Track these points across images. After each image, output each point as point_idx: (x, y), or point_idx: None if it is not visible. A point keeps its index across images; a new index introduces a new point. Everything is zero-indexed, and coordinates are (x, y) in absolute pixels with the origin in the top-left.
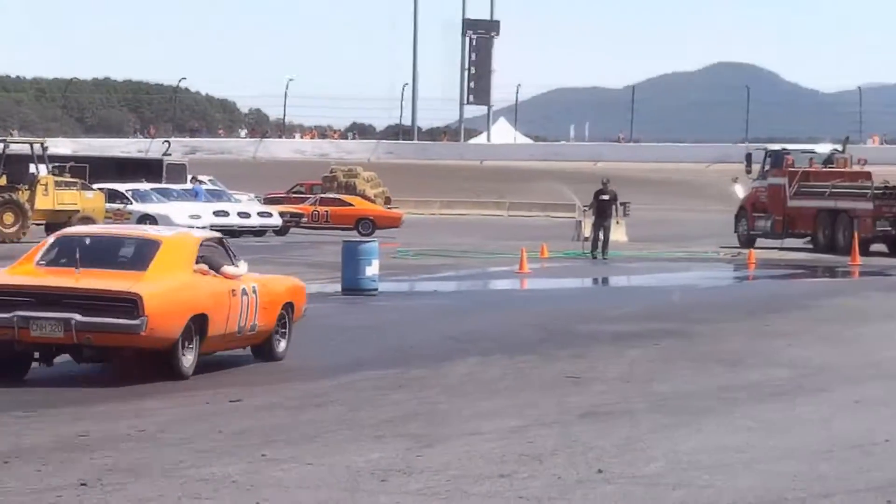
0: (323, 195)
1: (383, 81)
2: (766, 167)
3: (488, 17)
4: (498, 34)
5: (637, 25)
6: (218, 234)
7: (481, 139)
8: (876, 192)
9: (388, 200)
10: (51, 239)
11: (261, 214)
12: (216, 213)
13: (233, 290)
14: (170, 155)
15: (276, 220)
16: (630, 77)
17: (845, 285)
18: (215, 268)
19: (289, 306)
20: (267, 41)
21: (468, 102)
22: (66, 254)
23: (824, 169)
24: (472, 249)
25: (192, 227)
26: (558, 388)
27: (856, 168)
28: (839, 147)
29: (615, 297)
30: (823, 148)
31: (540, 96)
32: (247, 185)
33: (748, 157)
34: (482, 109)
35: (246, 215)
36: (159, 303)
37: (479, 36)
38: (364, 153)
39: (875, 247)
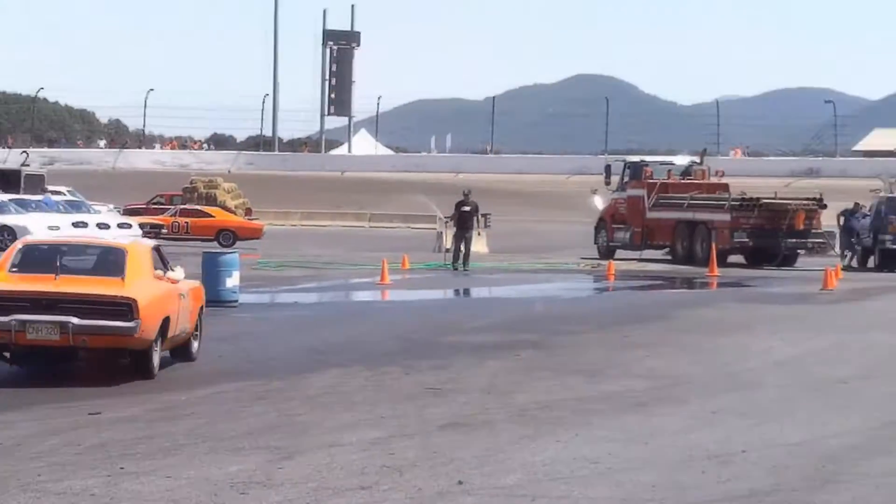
0: (183, 206)
1: (245, 92)
2: (625, 179)
3: (349, 28)
4: (359, 45)
5: (497, 37)
6: (155, 242)
7: (342, 150)
8: (733, 203)
9: (248, 211)
10: (18, 245)
11: (120, 226)
12: (75, 225)
13: (179, 294)
14: (28, 165)
15: (136, 232)
16: (490, 88)
17: (703, 296)
18: (163, 272)
19: (201, 309)
20: (127, 51)
21: (329, 113)
22: (36, 261)
23: (682, 181)
24: (334, 260)
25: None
26: (419, 399)
27: (713, 180)
28: (697, 159)
29: (476, 309)
30: (682, 160)
31: (401, 107)
32: (106, 196)
33: (607, 168)
34: (343, 121)
35: (105, 227)
36: (148, 306)
37: (340, 47)
38: (224, 164)
39: (733, 258)
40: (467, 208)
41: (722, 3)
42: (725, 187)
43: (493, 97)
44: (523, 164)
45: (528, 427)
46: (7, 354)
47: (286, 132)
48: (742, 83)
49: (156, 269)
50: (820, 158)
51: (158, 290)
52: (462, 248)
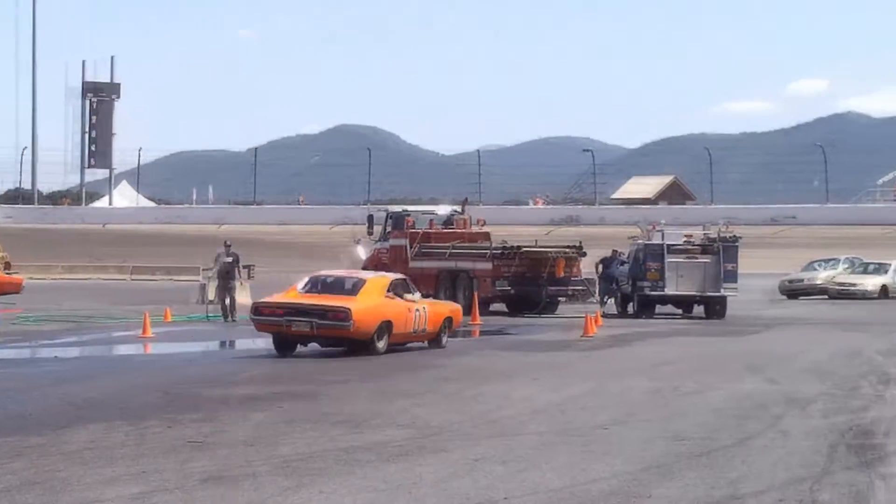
0: None
1: (2, 144)
2: (388, 229)
3: (108, 80)
4: (119, 97)
5: (259, 88)
6: (403, 276)
7: (103, 203)
8: (494, 252)
9: (7, 265)
10: (306, 277)
11: None
12: None
13: (409, 308)
14: None
15: None
16: (253, 139)
17: (466, 345)
18: (400, 295)
19: (448, 318)
20: None
21: (89, 166)
22: (314, 285)
23: (444, 230)
24: (95, 314)
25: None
26: (182, 452)
27: (475, 229)
28: (458, 208)
29: (242, 360)
30: (443, 209)
31: (163, 159)
32: None
33: (370, 218)
34: (104, 173)
35: None
36: (361, 313)
37: (100, 99)
38: None
39: (495, 306)
40: (229, 259)
41: (481, 53)
42: (487, 236)
43: (256, 148)
44: (287, 215)
45: (291, 479)
46: (304, 344)
47: (46, 185)
48: (503, 133)
49: (397, 293)
50: (580, 207)
51: (380, 304)
52: (227, 299)
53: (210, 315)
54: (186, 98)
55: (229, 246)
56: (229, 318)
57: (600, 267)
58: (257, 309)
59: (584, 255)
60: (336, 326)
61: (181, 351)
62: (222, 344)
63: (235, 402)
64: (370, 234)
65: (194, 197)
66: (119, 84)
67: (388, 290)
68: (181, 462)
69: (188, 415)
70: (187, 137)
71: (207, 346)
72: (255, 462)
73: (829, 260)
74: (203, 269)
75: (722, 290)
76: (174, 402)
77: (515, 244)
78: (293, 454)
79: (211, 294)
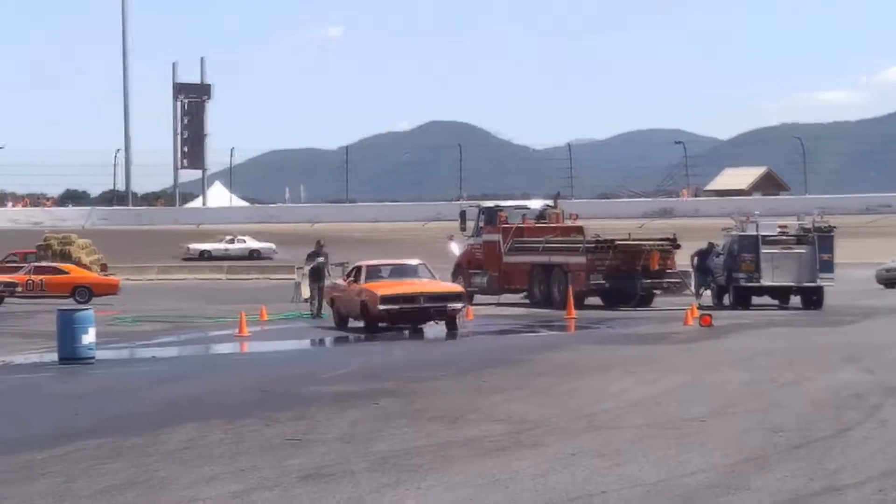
0: (37, 264)
1: (98, 147)
2: (481, 224)
3: (199, 81)
4: (210, 98)
5: (349, 86)
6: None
7: (197, 203)
8: (588, 246)
9: (104, 267)
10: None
11: None
12: None
13: None
14: None
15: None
16: (344, 137)
17: (561, 339)
18: None
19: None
20: None
21: (182, 167)
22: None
23: (537, 224)
24: (192, 314)
25: None
26: (279, 450)
27: (568, 223)
28: (551, 202)
29: (335, 358)
30: (536, 204)
31: (255, 159)
32: None
33: (462, 214)
34: (198, 173)
35: None
36: None
37: (191, 100)
38: (78, 220)
39: (590, 300)
40: (321, 259)
41: (569, 47)
42: (580, 230)
43: (347, 146)
44: (379, 212)
45: (388, 475)
46: None
47: (140, 186)
48: (593, 126)
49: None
50: (673, 199)
51: None
52: (316, 297)
53: (303, 313)
54: (278, 97)
55: (322, 245)
56: (317, 315)
57: (695, 259)
58: None
59: (679, 247)
60: None
61: (277, 349)
62: (315, 341)
63: (330, 400)
64: (463, 230)
65: (287, 196)
66: (209, 85)
67: None
68: (279, 460)
69: (285, 413)
70: (279, 137)
71: (302, 343)
72: (353, 459)
73: None
74: (297, 268)
75: (818, 281)
76: (271, 401)
77: (609, 238)
78: (389, 451)
79: (305, 292)
